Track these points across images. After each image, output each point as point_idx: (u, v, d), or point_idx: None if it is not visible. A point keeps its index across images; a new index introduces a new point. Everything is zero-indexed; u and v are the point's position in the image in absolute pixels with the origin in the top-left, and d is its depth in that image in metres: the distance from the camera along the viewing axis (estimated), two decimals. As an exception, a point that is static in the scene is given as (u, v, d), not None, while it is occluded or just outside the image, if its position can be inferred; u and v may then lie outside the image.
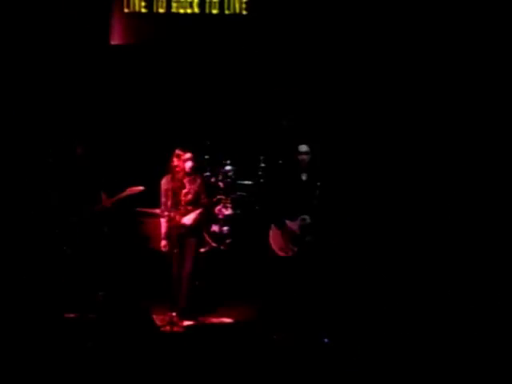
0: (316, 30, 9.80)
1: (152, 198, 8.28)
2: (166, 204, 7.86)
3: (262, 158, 9.69)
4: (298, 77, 9.89)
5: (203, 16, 10.20)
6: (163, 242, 7.95)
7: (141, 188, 8.24)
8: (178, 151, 7.90)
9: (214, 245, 9.01)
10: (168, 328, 7.55)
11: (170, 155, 7.99)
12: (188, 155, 7.96)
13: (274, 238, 7.53)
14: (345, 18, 9.71)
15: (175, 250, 7.82)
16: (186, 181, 7.92)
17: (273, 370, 6.23)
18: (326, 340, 6.97)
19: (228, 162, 9.71)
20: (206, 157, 9.65)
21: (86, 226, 8.16)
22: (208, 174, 9.62)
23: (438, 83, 9.23)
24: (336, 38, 9.72)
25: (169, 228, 7.85)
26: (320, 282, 7.42)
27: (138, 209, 9.00)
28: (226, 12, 10.18)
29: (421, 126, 9.10)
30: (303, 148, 7.50)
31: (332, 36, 9.74)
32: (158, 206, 8.16)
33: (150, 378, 6.06)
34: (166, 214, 7.82)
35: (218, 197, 9.56)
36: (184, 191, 7.86)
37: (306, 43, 9.88)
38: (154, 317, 7.38)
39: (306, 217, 7.38)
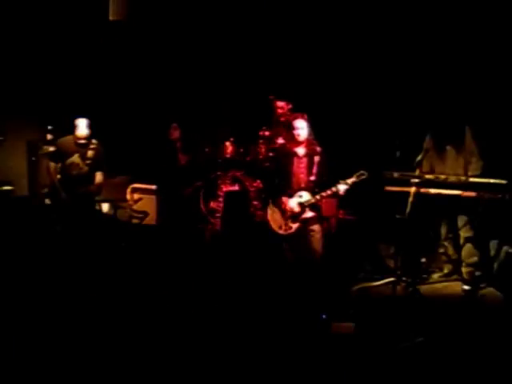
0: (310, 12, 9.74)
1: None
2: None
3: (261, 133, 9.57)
4: (295, 54, 9.85)
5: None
6: None
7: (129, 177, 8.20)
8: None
9: None
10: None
11: (167, 130, 7.91)
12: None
13: (272, 215, 7.44)
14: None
15: None
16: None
17: (272, 348, 6.15)
18: (323, 316, 6.83)
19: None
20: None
21: (78, 205, 8.12)
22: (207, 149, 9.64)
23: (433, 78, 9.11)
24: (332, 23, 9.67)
25: None
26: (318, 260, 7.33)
27: (134, 185, 9.03)
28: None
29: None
30: (299, 123, 7.30)
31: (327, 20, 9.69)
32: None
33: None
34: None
35: (218, 173, 9.57)
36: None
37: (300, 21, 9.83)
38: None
39: (304, 193, 7.27)
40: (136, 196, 9.49)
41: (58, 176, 8.16)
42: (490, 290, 7.77)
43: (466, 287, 7.79)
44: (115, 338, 6.24)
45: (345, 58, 9.57)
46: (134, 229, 9.24)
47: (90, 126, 8.14)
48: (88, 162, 8.11)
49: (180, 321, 6.73)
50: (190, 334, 6.42)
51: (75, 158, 8.11)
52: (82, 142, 8.11)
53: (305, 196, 7.27)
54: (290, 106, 9.14)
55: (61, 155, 8.18)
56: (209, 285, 7.86)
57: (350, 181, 7.12)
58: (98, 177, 8.22)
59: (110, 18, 10.36)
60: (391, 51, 9.30)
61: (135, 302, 7.20)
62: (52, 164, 8.23)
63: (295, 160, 7.35)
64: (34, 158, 9.90)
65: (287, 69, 9.80)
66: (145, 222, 9.36)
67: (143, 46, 10.39)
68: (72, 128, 8.20)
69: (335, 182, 7.14)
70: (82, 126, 8.10)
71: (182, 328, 6.56)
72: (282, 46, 9.89)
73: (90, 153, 8.11)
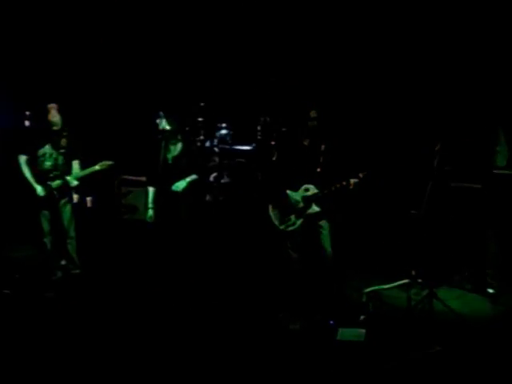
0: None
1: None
2: None
3: (261, 119, 9.34)
4: (301, 36, 9.54)
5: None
6: None
7: (110, 162, 7.74)
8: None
9: None
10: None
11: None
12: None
13: (274, 210, 7.08)
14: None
15: None
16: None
17: (278, 350, 6.04)
18: (331, 322, 6.59)
19: (224, 125, 9.40)
20: (200, 119, 9.36)
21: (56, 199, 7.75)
22: (202, 137, 9.36)
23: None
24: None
25: None
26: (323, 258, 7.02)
27: (123, 176, 8.84)
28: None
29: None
30: (315, 113, 6.98)
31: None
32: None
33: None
34: None
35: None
36: None
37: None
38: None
39: (310, 186, 6.90)
40: (124, 189, 9.19)
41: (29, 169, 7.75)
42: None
43: (491, 290, 7.47)
44: (108, 334, 6.28)
45: (361, 56, 9.34)
46: (123, 224, 9.04)
47: (61, 112, 7.75)
48: (62, 151, 7.72)
49: (178, 322, 6.61)
50: (188, 336, 6.30)
51: (47, 148, 7.71)
52: (54, 128, 7.70)
53: (311, 189, 6.96)
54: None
55: (31, 146, 7.78)
56: (208, 285, 7.68)
57: (360, 175, 6.84)
58: (75, 166, 7.81)
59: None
60: (406, 49, 9.04)
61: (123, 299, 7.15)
62: (22, 156, 7.77)
63: (301, 150, 7.01)
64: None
65: (303, 58, 9.57)
66: (135, 217, 9.03)
67: (131, 25, 10.09)
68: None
69: (345, 176, 6.86)
70: (54, 112, 7.68)
71: (180, 329, 6.45)
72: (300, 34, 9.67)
73: (63, 141, 7.74)
